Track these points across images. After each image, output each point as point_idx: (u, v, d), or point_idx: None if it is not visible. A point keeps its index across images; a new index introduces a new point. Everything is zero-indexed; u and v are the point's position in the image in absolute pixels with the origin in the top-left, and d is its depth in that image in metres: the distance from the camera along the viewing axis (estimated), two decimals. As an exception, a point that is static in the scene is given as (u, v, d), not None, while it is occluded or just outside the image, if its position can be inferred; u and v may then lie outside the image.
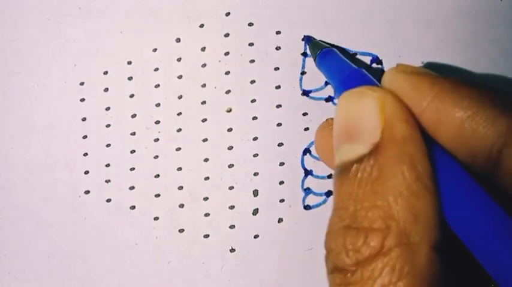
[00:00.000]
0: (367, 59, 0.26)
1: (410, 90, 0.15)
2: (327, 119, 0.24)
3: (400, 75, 0.16)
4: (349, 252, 0.14)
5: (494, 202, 0.14)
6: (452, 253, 0.15)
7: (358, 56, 0.26)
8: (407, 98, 0.15)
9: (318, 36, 0.26)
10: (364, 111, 0.15)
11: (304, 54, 0.26)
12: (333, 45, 0.25)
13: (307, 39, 0.25)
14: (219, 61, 0.26)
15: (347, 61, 0.22)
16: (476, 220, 0.14)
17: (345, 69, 0.20)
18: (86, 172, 0.26)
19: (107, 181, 0.26)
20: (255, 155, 0.26)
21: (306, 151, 0.26)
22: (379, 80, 0.18)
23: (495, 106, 0.14)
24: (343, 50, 0.25)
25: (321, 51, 0.23)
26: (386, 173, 0.14)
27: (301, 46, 0.26)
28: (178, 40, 0.26)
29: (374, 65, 0.26)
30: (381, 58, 0.26)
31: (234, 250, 0.26)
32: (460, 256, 0.15)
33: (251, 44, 0.26)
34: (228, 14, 0.26)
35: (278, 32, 0.26)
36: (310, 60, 0.26)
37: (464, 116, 0.15)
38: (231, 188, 0.26)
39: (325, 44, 0.24)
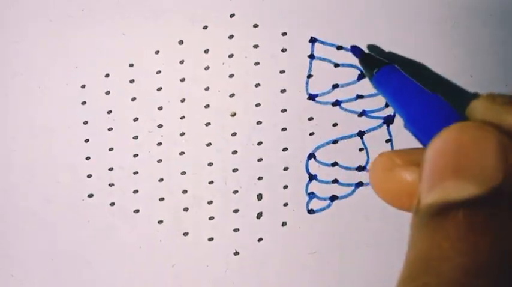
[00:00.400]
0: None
1: None
2: (383, 154, 0.18)
3: (497, 107, 0.14)
4: None
5: None
6: None
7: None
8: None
9: (324, 38, 0.25)
10: (484, 148, 0.12)
11: (311, 57, 0.25)
12: (387, 57, 0.22)
13: (356, 51, 0.22)
14: (223, 64, 0.25)
15: (416, 83, 0.19)
16: None
17: (417, 93, 0.18)
18: (89, 176, 0.26)
19: (110, 185, 0.26)
20: (260, 160, 0.26)
21: (311, 156, 0.26)
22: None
23: None
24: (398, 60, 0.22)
25: (380, 69, 0.20)
26: (505, 226, 0.11)
27: (307, 48, 0.25)
28: (181, 42, 0.25)
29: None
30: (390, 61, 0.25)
31: (238, 253, 0.26)
32: None
33: (256, 46, 0.25)
34: (232, 15, 0.25)
35: (284, 34, 0.25)
36: (316, 63, 0.25)
37: None
38: (235, 192, 0.26)
39: (384, 60, 0.21)
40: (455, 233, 0.11)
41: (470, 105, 0.15)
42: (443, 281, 0.11)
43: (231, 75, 0.25)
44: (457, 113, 0.15)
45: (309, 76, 0.25)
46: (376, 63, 0.20)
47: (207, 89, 0.25)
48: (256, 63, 0.25)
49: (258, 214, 0.26)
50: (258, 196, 0.26)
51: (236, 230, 0.26)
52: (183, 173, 0.26)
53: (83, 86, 0.26)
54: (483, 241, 0.11)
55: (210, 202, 0.26)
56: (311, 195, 0.26)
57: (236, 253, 0.26)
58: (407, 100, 0.18)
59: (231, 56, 0.25)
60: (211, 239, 0.26)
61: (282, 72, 0.25)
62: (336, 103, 0.25)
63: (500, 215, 0.11)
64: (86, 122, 0.26)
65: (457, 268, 0.11)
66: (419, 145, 0.17)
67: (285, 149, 0.26)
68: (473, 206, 0.11)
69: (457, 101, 0.16)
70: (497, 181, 0.12)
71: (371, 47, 0.23)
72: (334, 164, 0.26)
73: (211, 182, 0.26)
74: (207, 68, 0.25)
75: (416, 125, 0.17)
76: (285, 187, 0.26)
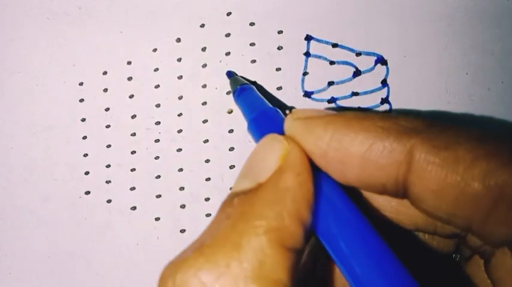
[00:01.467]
0: (371, 59, 0.26)
1: (308, 137, 0.16)
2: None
3: (297, 122, 0.17)
4: (177, 281, 0.14)
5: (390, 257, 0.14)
6: None
7: (362, 56, 0.25)
8: (308, 145, 0.16)
9: (320, 35, 0.25)
10: (267, 154, 0.16)
11: (307, 54, 0.25)
12: (254, 83, 0.26)
13: (229, 74, 0.25)
14: (220, 61, 0.25)
15: (262, 99, 0.23)
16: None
17: (258, 106, 0.22)
18: (86, 173, 0.26)
19: (108, 182, 0.26)
20: (256, 157, 0.26)
21: (308, 153, 0.26)
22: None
23: (389, 135, 0.15)
24: (261, 88, 0.26)
25: (239, 87, 0.24)
26: (253, 213, 0.14)
27: (303, 46, 0.25)
28: (178, 40, 0.25)
29: (379, 65, 0.25)
30: (385, 58, 0.25)
31: (235, 251, 0.26)
32: None
33: (252, 44, 0.25)
34: (229, 13, 0.25)
35: (280, 32, 0.25)
36: (312, 61, 0.25)
37: (362, 150, 0.15)
38: (232, 189, 0.26)
39: (244, 81, 0.25)
40: (229, 212, 0.15)
41: (284, 122, 0.18)
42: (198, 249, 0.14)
43: (229, 75, 0.25)
44: (282, 125, 0.18)
45: (305, 73, 0.26)
46: (238, 83, 0.24)
47: (204, 86, 0.26)
48: (253, 61, 0.25)
49: (255, 211, 0.26)
50: (254, 193, 0.26)
51: (233, 227, 0.26)
52: (180, 170, 0.26)
53: (81, 84, 0.26)
54: (243, 218, 0.14)
55: (207, 199, 0.26)
56: (308, 192, 0.26)
57: (233, 251, 0.26)
58: (252, 110, 0.21)
59: (227, 53, 0.25)
60: (208, 236, 0.26)
61: (278, 69, 0.25)
62: (332, 100, 0.26)
63: (255, 204, 0.14)
64: (83, 120, 0.26)
65: (225, 232, 0.14)
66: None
67: (281, 146, 0.26)
68: (244, 195, 0.15)
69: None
70: (263, 178, 0.15)
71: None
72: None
73: (208, 179, 0.26)
74: (204, 65, 0.26)
75: (253, 129, 0.20)
76: (282, 184, 0.26)
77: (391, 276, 0.14)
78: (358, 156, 0.15)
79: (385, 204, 0.17)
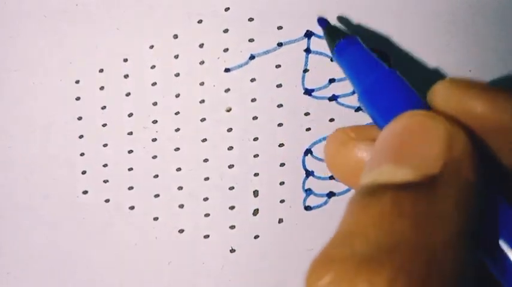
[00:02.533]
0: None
1: (486, 112, 0.13)
2: (339, 129, 0.19)
3: (457, 92, 0.14)
4: None
5: None
6: None
7: (363, 53, 0.25)
8: (476, 123, 0.13)
9: (321, 31, 0.25)
10: (430, 138, 0.12)
11: (307, 51, 0.25)
12: (355, 30, 0.21)
13: (322, 23, 0.21)
14: (218, 58, 0.25)
15: (377, 59, 0.18)
16: None
17: (375, 69, 0.17)
18: (84, 172, 0.26)
19: (105, 181, 0.26)
20: (256, 156, 0.25)
21: (308, 152, 0.25)
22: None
23: None
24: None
25: (341, 40, 0.19)
26: (436, 214, 0.11)
27: (303, 42, 0.25)
28: (175, 36, 0.25)
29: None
30: (388, 54, 0.25)
31: (234, 251, 0.26)
32: None
33: (251, 40, 0.25)
34: (227, 9, 0.24)
35: (280, 27, 0.25)
36: (312, 57, 0.25)
37: None
38: (232, 188, 0.26)
39: (346, 32, 0.20)
40: (376, 212, 0.11)
41: (432, 88, 0.14)
42: (354, 254, 0.11)
43: (227, 70, 0.25)
44: (413, 93, 0.15)
45: (305, 71, 0.25)
46: (339, 35, 0.19)
47: (202, 83, 0.25)
48: (252, 58, 0.25)
49: (254, 210, 0.26)
50: (254, 192, 0.26)
51: (232, 227, 0.26)
52: (179, 169, 0.26)
53: (77, 82, 0.25)
54: (400, 223, 0.11)
55: (205, 199, 0.26)
56: (308, 191, 0.25)
57: (232, 250, 0.26)
58: (364, 74, 0.17)
59: (226, 50, 0.25)
60: (207, 236, 0.26)
61: (278, 66, 0.25)
62: (333, 98, 0.25)
63: (429, 203, 0.11)
64: (80, 118, 0.26)
65: (369, 243, 0.11)
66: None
67: (281, 145, 0.25)
68: (403, 190, 0.12)
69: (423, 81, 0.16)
70: (435, 170, 0.12)
71: (342, 19, 0.21)
72: (331, 159, 0.25)
73: (206, 179, 0.26)
74: (202, 62, 0.25)
75: (369, 101, 0.16)
76: (282, 183, 0.25)
77: None
78: None
79: None
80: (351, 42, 0.19)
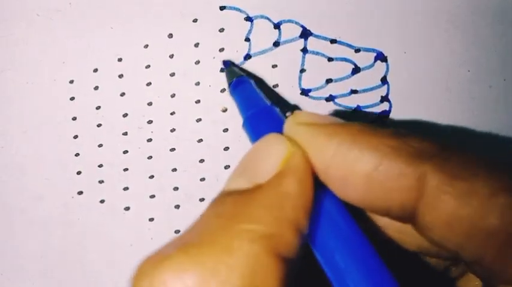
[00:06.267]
0: (371, 56, 0.25)
1: (311, 146, 0.15)
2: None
3: (299, 128, 0.16)
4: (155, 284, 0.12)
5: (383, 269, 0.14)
6: None
7: (361, 53, 0.25)
8: (310, 155, 0.15)
9: (318, 31, 0.24)
10: (268, 154, 0.15)
11: (304, 51, 0.25)
12: (250, 74, 0.24)
13: (226, 64, 0.24)
14: (214, 58, 0.25)
15: (260, 94, 0.21)
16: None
17: (256, 103, 0.20)
18: (79, 173, 0.26)
19: (100, 182, 0.26)
20: (252, 156, 0.25)
21: (304, 152, 0.25)
22: None
23: (399, 156, 0.13)
24: (261, 82, 0.25)
25: (235, 79, 0.23)
26: (250, 215, 0.13)
27: (300, 42, 0.25)
28: (170, 36, 0.24)
29: (378, 62, 0.25)
30: (385, 55, 0.25)
31: (230, 251, 0.25)
32: None
33: (247, 40, 0.24)
34: (222, 8, 0.24)
35: (276, 27, 0.24)
36: (309, 57, 0.25)
37: (368, 170, 0.14)
38: (227, 189, 0.25)
39: (241, 73, 0.23)
40: (220, 211, 0.14)
41: (285, 124, 0.17)
42: (201, 240, 0.13)
43: (222, 70, 0.25)
44: (281, 123, 0.17)
45: (302, 71, 0.25)
46: (235, 75, 0.23)
47: (197, 83, 0.25)
48: (248, 57, 0.25)
49: (250, 211, 0.25)
50: (250, 193, 0.25)
51: (228, 227, 0.25)
52: (174, 170, 0.26)
53: (71, 82, 0.25)
54: (236, 219, 0.13)
55: (201, 199, 0.26)
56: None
57: (228, 251, 0.25)
58: (249, 106, 0.20)
59: (221, 49, 0.25)
60: (203, 236, 0.26)
61: (274, 66, 0.25)
62: (330, 98, 0.25)
63: (251, 207, 0.13)
64: (74, 118, 0.25)
65: (215, 232, 0.13)
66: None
67: (277, 146, 0.25)
68: (239, 195, 0.14)
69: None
70: (262, 180, 0.14)
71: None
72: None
73: (202, 179, 0.26)
74: (197, 62, 0.25)
75: (248, 128, 0.19)
76: (278, 183, 0.25)
77: None
78: (363, 175, 0.14)
79: (387, 223, 0.16)
80: (242, 81, 0.22)
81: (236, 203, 0.14)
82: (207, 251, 0.12)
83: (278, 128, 0.17)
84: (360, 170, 0.14)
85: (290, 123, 0.16)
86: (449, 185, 0.13)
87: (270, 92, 0.25)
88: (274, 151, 0.15)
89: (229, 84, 0.23)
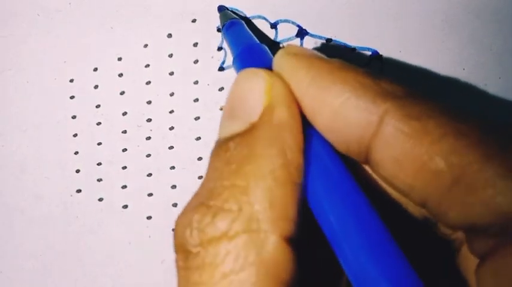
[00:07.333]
0: (366, 55, 0.25)
1: (291, 75, 0.15)
2: None
3: (285, 58, 0.15)
4: (194, 230, 0.13)
5: (367, 206, 0.13)
6: (311, 246, 0.15)
7: (357, 52, 0.25)
8: (290, 83, 0.15)
9: (315, 30, 0.25)
10: (250, 91, 0.15)
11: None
12: (247, 19, 0.25)
13: (220, 8, 0.24)
14: (212, 57, 0.25)
15: (251, 35, 0.21)
16: (344, 223, 0.13)
17: (245, 42, 0.20)
18: (77, 171, 0.26)
19: (99, 180, 0.26)
20: (249, 154, 0.25)
21: (302, 150, 0.25)
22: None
23: (366, 92, 0.14)
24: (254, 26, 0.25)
25: (228, 21, 0.23)
26: (255, 154, 0.13)
27: (297, 41, 0.25)
28: (169, 35, 0.25)
29: (374, 61, 0.25)
30: (381, 54, 0.25)
31: (228, 249, 0.26)
32: (320, 251, 0.15)
33: (245, 39, 0.25)
34: (221, 8, 0.25)
35: (273, 26, 0.25)
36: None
37: (335, 102, 0.14)
38: (225, 187, 0.26)
39: (234, 15, 0.24)
40: (216, 164, 0.14)
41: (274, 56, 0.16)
42: (197, 201, 0.13)
43: (221, 69, 0.25)
44: (270, 60, 0.17)
45: (299, 69, 0.25)
46: (228, 17, 0.23)
47: (196, 82, 0.25)
48: (246, 57, 0.25)
49: (248, 209, 0.25)
50: (248, 191, 0.25)
51: (226, 225, 0.26)
52: (172, 168, 0.26)
53: (71, 80, 0.25)
54: (246, 161, 0.13)
55: (199, 197, 0.26)
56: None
57: (226, 249, 0.26)
58: (240, 45, 0.20)
59: (220, 49, 0.25)
60: (201, 235, 0.26)
61: (272, 65, 0.25)
62: (326, 96, 0.25)
63: (256, 145, 0.13)
64: (74, 117, 0.26)
65: (231, 178, 0.13)
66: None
67: (275, 143, 0.25)
68: (240, 138, 0.14)
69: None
70: (255, 117, 0.14)
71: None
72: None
73: (201, 177, 0.26)
74: (196, 61, 0.25)
75: (238, 64, 0.19)
76: (276, 181, 0.25)
77: (388, 262, 0.13)
78: (331, 107, 0.14)
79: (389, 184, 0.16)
80: (234, 23, 0.23)
81: (241, 146, 0.14)
82: (230, 196, 0.13)
83: (267, 64, 0.17)
84: (328, 102, 0.14)
85: (279, 55, 0.16)
86: (404, 123, 0.13)
87: (264, 36, 0.25)
88: (254, 85, 0.15)
89: (223, 27, 0.23)
